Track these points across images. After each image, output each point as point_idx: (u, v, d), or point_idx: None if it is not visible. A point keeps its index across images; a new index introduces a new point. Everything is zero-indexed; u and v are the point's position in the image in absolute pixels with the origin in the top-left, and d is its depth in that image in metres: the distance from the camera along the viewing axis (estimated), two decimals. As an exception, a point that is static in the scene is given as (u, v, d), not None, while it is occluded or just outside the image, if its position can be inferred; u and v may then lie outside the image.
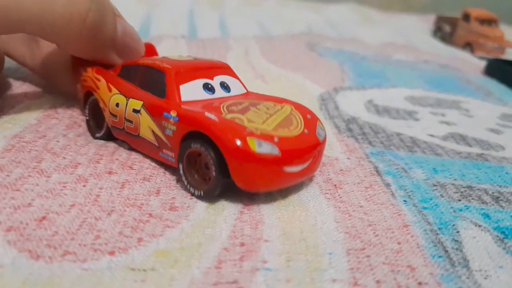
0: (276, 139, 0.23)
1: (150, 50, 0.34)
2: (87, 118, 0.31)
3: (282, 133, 0.24)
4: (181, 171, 0.25)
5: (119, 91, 0.28)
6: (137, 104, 0.27)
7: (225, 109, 0.25)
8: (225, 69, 0.29)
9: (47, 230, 0.20)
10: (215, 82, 0.28)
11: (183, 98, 0.26)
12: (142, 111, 0.26)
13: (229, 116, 0.24)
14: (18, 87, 0.38)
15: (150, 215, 0.22)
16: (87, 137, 0.30)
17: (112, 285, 0.18)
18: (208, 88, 0.27)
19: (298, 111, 0.27)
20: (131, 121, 0.27)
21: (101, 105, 0.30)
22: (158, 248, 0.20)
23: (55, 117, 0.33)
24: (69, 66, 0.33)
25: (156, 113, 0.26)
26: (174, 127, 0.25)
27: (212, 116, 0.23)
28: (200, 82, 0.27)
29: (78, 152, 0.28)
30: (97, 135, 0.30)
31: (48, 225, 0.21)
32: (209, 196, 0.24)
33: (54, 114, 0.33)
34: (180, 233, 0.21)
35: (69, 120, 0.33)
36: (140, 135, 0.27)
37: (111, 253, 0.19)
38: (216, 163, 0.23)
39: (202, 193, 0.24)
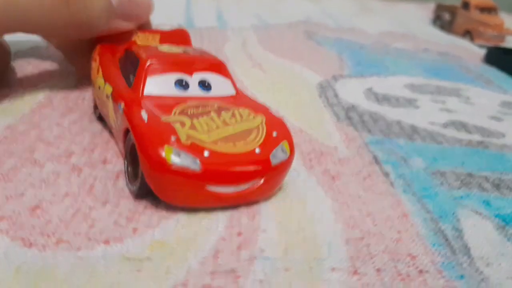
0: (206, 153, 0.21)
1: (182, 36, 0.34)
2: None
3: (221, 147, 0.21)
4: (124, 162, 0.23)
5: (102, 74, 0.28)
6: (108, 90, 0.26)
7: (177, 110, 0.23)
8: (216, 66, 0.27)
9: (40, 219, 0.20)
10: (193, 79, 0.25)
11: (147, 91, 0.24)
12: (110, 98, 0.25)
13: (172, 118, 0.22)
14: (13, 74, 0.37)
15: (145, 207, 0.22)
16: (82, 124, 0.30)
17: (107, 275, 0.17)
18: (181, 84, 0.25)
19: (266, 126, 0.24)
20: (105, 107, 0.26)
21: (92, 86, 0.30)
22: (154, 239, 0.20)
23: (50, 105, 0.32)
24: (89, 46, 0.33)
25: (115, 102, 0.24)
26: (120, 120, 0.23)
27: (145, 115, 0.22)
28: (174, 76, 0.25)
29: (72, 141, 0.27)
30: (96, 115, 0.30)
31: (41, 213, 0.20)
32: (138, 194, 0.22)
33: (49, 102, 0.33)
34: (176, 224, 0.21)
35: (64, 107, 0.32)
36: (111, 122, 0.26)
37: (106, 242, 0.19)
38: None
39: (134, 188, 0.22)
